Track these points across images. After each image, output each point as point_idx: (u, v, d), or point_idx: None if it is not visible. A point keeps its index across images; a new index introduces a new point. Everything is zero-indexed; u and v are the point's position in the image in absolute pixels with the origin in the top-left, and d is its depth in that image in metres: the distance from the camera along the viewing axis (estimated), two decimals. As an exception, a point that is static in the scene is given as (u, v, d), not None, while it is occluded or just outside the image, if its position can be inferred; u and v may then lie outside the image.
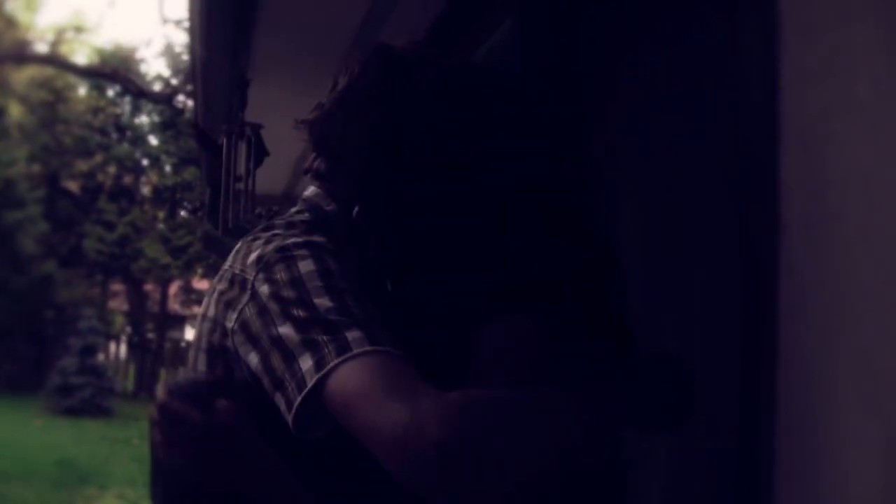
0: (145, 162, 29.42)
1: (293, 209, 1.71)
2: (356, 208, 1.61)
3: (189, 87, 27.38)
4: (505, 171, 1.48)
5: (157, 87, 27.69)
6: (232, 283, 1.56)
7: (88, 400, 21.44)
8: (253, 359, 1.47)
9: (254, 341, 1.47)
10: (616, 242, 1.56)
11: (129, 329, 29.07)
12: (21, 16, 25.41)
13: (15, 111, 27.10)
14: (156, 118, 28.83)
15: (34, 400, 21.91)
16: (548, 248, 1.46)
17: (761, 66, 1.39)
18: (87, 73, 24.97)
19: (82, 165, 27.47)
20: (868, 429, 1.22)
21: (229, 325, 1.53)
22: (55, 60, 23.73)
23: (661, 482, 2.18)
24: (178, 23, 30.85)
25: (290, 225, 1.62)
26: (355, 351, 1.35)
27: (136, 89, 24.38)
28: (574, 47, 2.56)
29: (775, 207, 1.34)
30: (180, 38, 27.21)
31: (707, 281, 2.05)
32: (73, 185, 27.95)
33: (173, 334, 30.51)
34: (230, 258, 1.62)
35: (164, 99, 26.07)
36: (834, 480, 1.29)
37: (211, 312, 1.59)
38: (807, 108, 1.30)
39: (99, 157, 27.64)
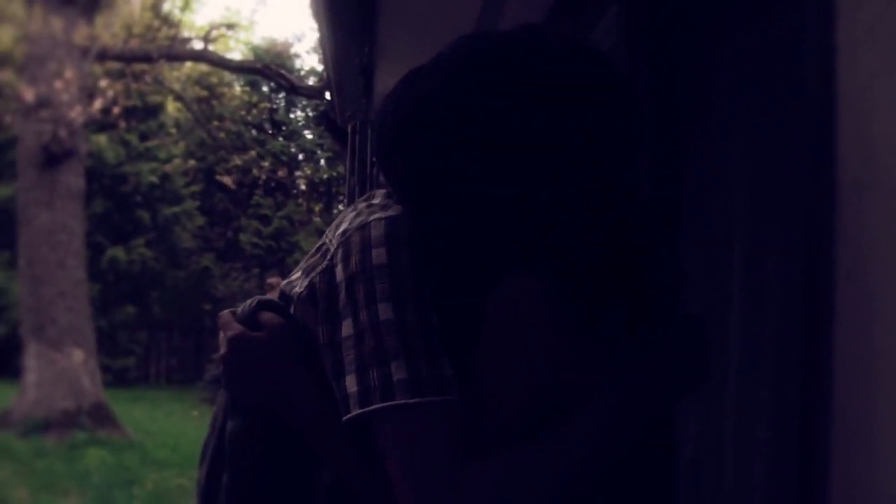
0: (301, 156, 29.75)
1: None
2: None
3: (341, 81, 27.58)
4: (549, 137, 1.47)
5: (310, 81, 27.89)
6: (318, 249, 1.60)
7: (244, 391, 21.64)
8: (318, 329, 1.51)
9: (321, 312, 1.52)
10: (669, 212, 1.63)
11: (284, 322, 29.38)
12: (177, 15, 25.87)
13: (171, 108, 27.67)
14: (310, 112, 29.10)
15: (192, 391, 22.43)
16: (574, 214, 1.48)
17: (819, 30, 1.40)
18: (240, 69, 25.29)
19: (237, 160, 27.90)
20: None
21: (298, 290, 1.59)
22: (209, 58, 24.10)
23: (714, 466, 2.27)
24: (329, 17, 31.16)
25: (388, 195, 1.62)
26: (398, 401, 1.38)
27: (288, 84, 24.55)
28: (671, 34, 2.58)
29: (832, 171, 1.34)
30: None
31: (766, 251, 2.08)
32: (228, 180, 28.38)
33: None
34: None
35: (317, 93, 26.21)
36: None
37: (295, 275, 1.64)
38: (858, 71, 1.30)
39: (254, 152, 28.03)
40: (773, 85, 1.89)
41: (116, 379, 22.47)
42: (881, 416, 1.22)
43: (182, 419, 19.15)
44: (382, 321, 1.42)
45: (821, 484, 1.34)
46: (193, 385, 22.98)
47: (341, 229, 1.55)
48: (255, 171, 28.36)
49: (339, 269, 1.49)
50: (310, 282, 1.55)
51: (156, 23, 23.20)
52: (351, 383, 1.42)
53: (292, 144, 29.66)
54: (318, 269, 1.54)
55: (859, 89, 1.29)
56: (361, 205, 1.61)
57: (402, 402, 1.37)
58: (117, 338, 23.95)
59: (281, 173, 28.90)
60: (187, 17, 25.99)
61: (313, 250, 1.61)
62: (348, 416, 1.41)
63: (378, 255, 1.46)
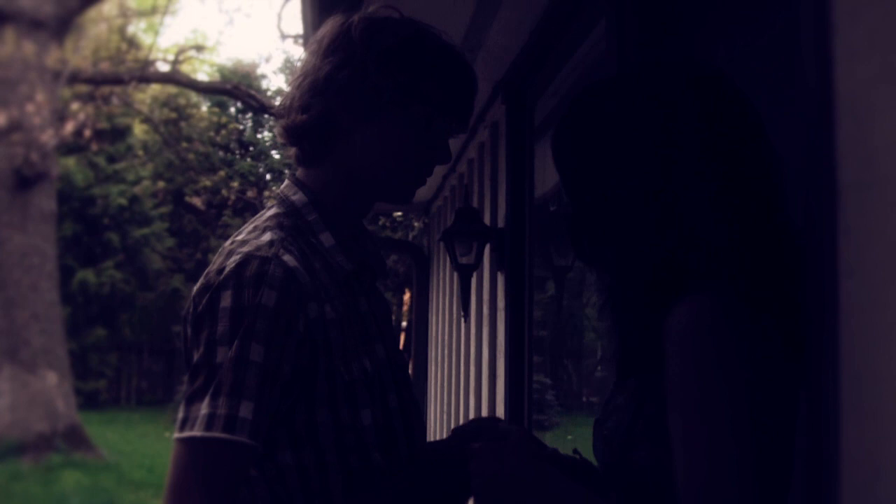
0: (268, 177, 29.69)
1: (268, 204, 1.88)
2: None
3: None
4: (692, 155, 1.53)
5: (276, 102, 27.88)
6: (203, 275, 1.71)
7: (217, 412, 21.62)
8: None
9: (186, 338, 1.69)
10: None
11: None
12: (143, 37, 25.85)
13: (138, 130, 27.57)
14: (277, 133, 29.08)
15: (163, 413, 22.30)
16: (730, 229, 1.51)
17: (814, 41, 1.44)
18: (210, 89, 25.28)
19: (206, 181, 27.78)
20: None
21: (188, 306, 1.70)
22: (177, 79, 24.09)
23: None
24: (296, 38, 31.18)
25: (254, 229, 1.74)
26: (193, 433, 1.53)
27: (258, 104, 24.56)
28: (662, 45, 2.63)
29: (833, 172, 1.36)
30: (299, 53, 27.41)
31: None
32: (197, 201, 28.26)
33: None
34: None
35: (287, 113, 26.24)
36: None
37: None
38: (855, 79, 1.34)
39: (223, 173, 27.95)
40: (767, 93, 1.91)
41: (88, 401, 22.34)
42: (887, 416, 1.24)
43: (156, 440, 19.06)
44: (217, 362, 1.56)
45: (829, 485, 1.36)
46: (165, 406, 22.87)
47: (216, 265, 1.67)
48: (224, 192, 28.28)
49: (200, 304, 1.63)
50: (188, 307, 1.69)
51: (124, 45, 23.18)
52: (180, 410, 1.58)
53: (260, 165, 29.57)
54: (190, 301, 1.69)
55: (858, 96, 1.34)
56: (240, 236, 1.74)
57: (195, 434, 1.53)
58: (88, 360, 23.81)
59: (250, 193, 28.83)
60: (152, 40, 25.98)
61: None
62: (171, 437, 1.59)
63: (225, 297, 1.59)
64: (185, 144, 27.76)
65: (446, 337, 7.02)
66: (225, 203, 28.28)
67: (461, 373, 6.11)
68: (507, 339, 4.50)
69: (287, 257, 1.65)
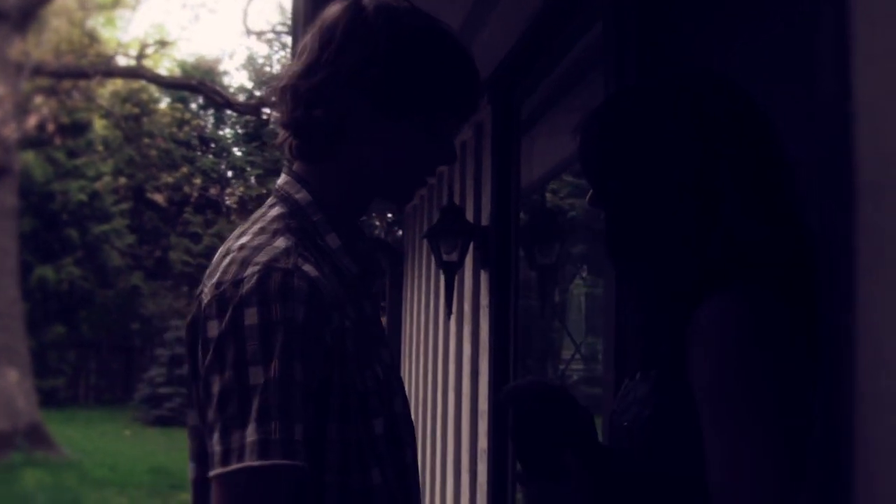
0: (230, 173, 29.55)
1: (269, 201, 1.73)
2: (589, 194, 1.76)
3: (273, 99, 27.46)
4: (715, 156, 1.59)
5: (240, 98, 27.77)
6: (200, 287, 1.61)
7: (177, 410, 21.55)
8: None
9: (189, 365, 1.61)
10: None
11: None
12: (102, 32, 25.66)
13: (99, 125, 27.37)
14: (239, 130, 28.94)
15: (123, 411, 22.22)
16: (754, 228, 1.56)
17: (835, 50, 1.48)
18: (174, 85, 25.16)
19: (167, 178, 27.63)
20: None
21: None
22: (143, 74, 23.93)
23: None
24: (260, 34, 31.03)
25: (261, 231, 1.62)
26: (247, 463, 1.41)
27: (222, 101, 24.47)
28: (661, 47, 2.66)
29: (851, 174, 1.41)
30: (262, 50, 27.31)
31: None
32: (158, 198, 28.12)
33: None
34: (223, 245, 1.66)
35: (251, 110, 26.15)
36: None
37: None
38: (873, 85, 1.39)
39: (184, 170, 27.79)
40: (771, 96, 1.91)
41: (46, 399, 22.12)
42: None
43: (116, 439, 18.97)
44: (251, 384, 1.45)
45: (846, 472, 1.40)
46: (124, 404, 22.76)
47: (215, 279, 1.55)
48: (185, 189, 28.12)
49: (211, 325, 1.51)
50: (190, 324, 1.59)
51: (86, 39, 23.01)
52: (216, 442, 1.45)
53: (222, 162, 29.45)
54: (190, 316, 1.59)
55: (876, 102, 1.38)
56: (235, 244, 1.61)
57: (252, 464, 1.41)
58: (46, 358, 23.59)
59: (213, 191, 28.70)
60: (111, 34, 25.81)
61: (203, 287, 1.60)
62: (212, 473, 1.44)
63: (250, 314, 1.47)
64: (146, 140, 27.61)
65: (422, 334, 7.04)
66: (187, 200, 28.14)
67: (439, 370, 6.13)
68: (492, 337, 4.54)
69: (307, 267, 1.54)
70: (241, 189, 28.69)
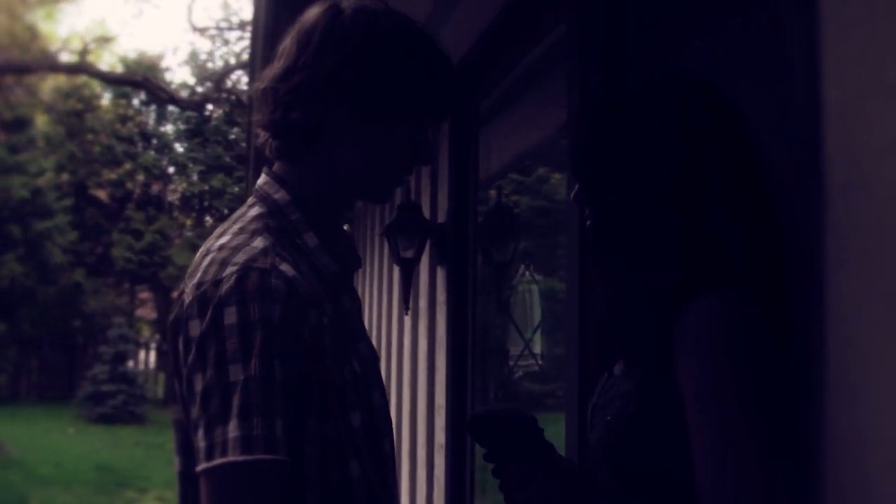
0: (172, 170, 29.36)
1: (248, 201, 1.77)
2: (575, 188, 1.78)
3: (216, 96, 27.35)
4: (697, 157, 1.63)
5: (183, 94, 27.61)
6: (181, 286, 1.65)
7: (121, 407, 21.47)
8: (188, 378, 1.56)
9: (171, 362, 1.62)
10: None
11: (157, 337, 28.94)
12: (42, 26, 25.40)
13: (41, 121, 27.07)
14: (181, 126, 28.76)
15: (66, 408, 22.02)
16: (737, 229, 1.59)
17: (805, 54, 1.53)
18: (118, 81, 24.94)
19: (110, 174, 27.41)
20: None
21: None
22: (87, 70, 23.69)
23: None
24: (203, 31, 30.85)
25: (241, 231, 1.65)
26: (230, 458, 1.44)
27: (166, 97, 24.32)
28: (625, 48, 2.67)
29: (820, 176, 1.47)
30: (205, 46, 27.12)
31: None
32: (101, 194, 27.90)
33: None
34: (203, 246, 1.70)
35: (195, 106, 26.02)
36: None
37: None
38: (844, 90, 1.44)
39: (127, 166, 27.57)
40: (744, 97, 1.91)
41: (-14, 397, 21.97)
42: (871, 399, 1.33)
43: (60, 436, 18.79)
44: (231, 381, 1.47)
45: (813, 472, 1.44)
46: (67, 402, 22.55)
47: (196, 279, 1.58)
48: (128, 185, 27.89)
49: (193, 324, 1.54)
50: (172, 323, 1.61)
51: (27, 34, 22.76)
52: (200, 438, 1.48)
53: (164, 158, 29.26)
54: (172, 315, 1.62)
55: (846, 106, 1.42)
56: (216, 244, 1.64)
57: (236, 459, 1.44)
58: (-14, 354, 23.39)
59: (155, 187, 28.50)
60: (51, 28, 25.53)
61: (184, 287, 1.64)
62: (199, 468, 1.47)
63: (229, 314, 1.51)
64: (89, 136, 27.37)
65: (374, 330, 7.08)
66: (129, 196, 27.93)
67: (393, 365, 6.16)
68: (449, 333, 4.57)
69: (284, 266, 1.58)
70: (184, 185, 28.53)
